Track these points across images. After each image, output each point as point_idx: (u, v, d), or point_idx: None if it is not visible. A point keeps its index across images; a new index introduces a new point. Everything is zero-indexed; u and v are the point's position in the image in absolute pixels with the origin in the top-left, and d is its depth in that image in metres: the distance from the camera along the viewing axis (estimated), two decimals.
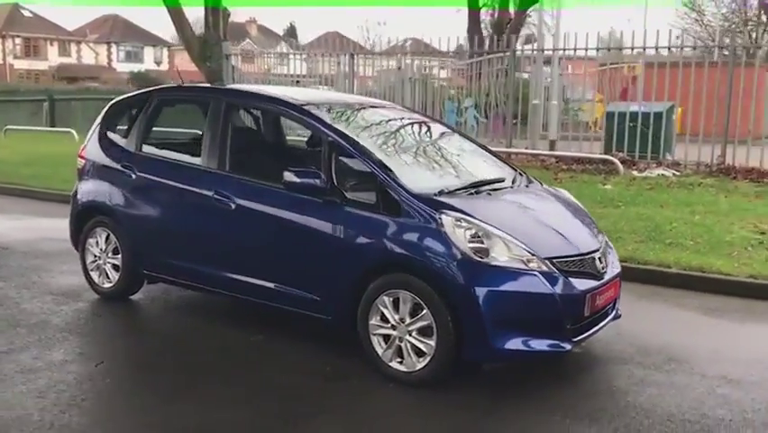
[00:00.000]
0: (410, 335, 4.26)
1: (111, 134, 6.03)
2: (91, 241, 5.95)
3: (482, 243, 4.16)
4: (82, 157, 6.14)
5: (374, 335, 4.40)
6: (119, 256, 5.75)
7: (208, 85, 7.12)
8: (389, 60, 17.48)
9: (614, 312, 4.81)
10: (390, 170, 4.47)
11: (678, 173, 10.74)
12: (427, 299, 4.16)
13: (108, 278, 5.87)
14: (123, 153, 5.77)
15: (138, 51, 63.77)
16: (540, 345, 4.17)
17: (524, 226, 4.44)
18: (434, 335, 4.15)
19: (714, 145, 11.45)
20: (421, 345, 4.22)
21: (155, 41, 65.43)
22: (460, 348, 4.13)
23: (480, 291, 4.05)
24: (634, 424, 3.87)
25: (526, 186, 5.24)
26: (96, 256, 5.92)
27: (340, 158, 4.68)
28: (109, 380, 4.39)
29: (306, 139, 6.14)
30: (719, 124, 11.48)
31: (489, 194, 4.76)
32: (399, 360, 4.33)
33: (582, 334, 4.38)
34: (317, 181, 4.50)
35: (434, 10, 48.91)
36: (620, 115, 12.65)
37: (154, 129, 5.92)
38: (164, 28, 65.68)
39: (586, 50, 13.47)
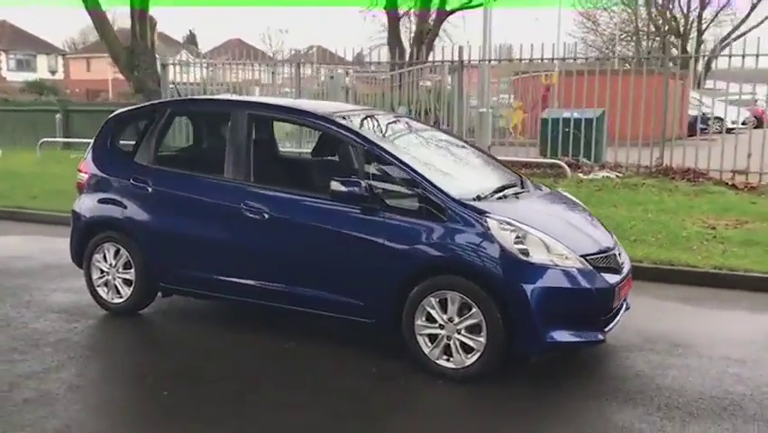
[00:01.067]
0: (459, 333, 4.52)
1: (117, 148, 5.98)
2: (98, 256, 5.87)
3: (524, 243, 4.48)
4: (83, 171, 6.05)
5: (420, 335, 4.63)
6: (131, 271, 5.72)
7: (225, 97, 7.10)
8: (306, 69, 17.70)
9: (626, 304, 5.23)
10: (430, 178, 4.72)
11: (621, 175, 11.49)
12: (477, 298, 4.43)
13: (119, 293, 5.82)
14: (134, 167, 5.73)
15: (30, 60, 60.90)
16: (581, 336, 4.53)
17: (554, 227, 4.79)
18: (484, 332, 4.43)
19: (644, 148, 12.29)
20: (470, 342, 4.49)
21: (48, 49, 62.70)
22: (510, 343, 4.43)
23: (529, 289, 4.36)
24: (672, 403, 4.27)
25: (538, 189, 5.60)
26: (103, 272, 5.85)
27: (376, 166, 4.89)
28: (166, 393, 4.42)
29: (311, 149, 6.30)
30: (646, 128, 12.35)
31: (516, 197, 5.09)
32: (446, 357, 4.58)
33: (610, 324, 4.77)
34: (362, 190, 4.69)
35: (335, 17, 49.36)
36: (554, 122, 13.35)
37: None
38: (57, 35, 63.05)
39: (540, 58, 14.09)
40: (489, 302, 4.40)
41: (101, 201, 5.87)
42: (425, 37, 23.47)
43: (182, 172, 5.59)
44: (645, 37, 44.69)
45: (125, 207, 5.69)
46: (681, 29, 43.07)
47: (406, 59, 19.41)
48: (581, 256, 4.59)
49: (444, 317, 4.55)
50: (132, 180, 5.68)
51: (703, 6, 42.90)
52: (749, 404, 4.27)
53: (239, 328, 5.63)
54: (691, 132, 19.47)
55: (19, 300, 6.27)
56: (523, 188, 5.50)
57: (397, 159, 4.83)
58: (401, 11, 25.72)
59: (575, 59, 13.55)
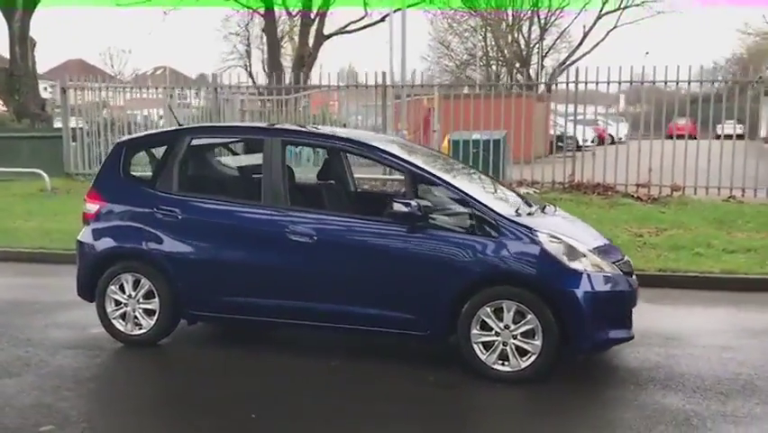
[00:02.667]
0: (514, 338, 4.95)
1: (131, 176, 5.89)
2: (113, 288, 5.75)
3: (569, 254, 5.00)
4: (92, 201, 5.90)
5: (476, 343, 5.02)
6: (155, 300, 5.66)
7: (254, 125, 7.10)
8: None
9: None
10: (479, 198, 5.15)
11: (538, 191, 12.44)
12: (532, 305, 4.89)
13: (139, 324, 5.72)
14: (157, 195, 5.69)
15: None
16: (619, 334, 5.11)
17: (584, 239, 5.36)
18: (539, 336, 4.89)
19: (548, 164, 13.48)
20: (526, 346, 4.93)
21: None
22: (563, 345, 4.92)
23: (580, 294, 4.88)
24: (702, 386, 4.91)
25: (542, 207, 6.17)
26: (120, 303, 5.73)
27: (425, 189, 5.25)
28: (254, 415, 4.50)
29: (317, 173, 6.51)
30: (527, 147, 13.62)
31: (542, 213, 5.61)
32: (502, 362, 4.99)
33: (632, 323, 5.39)
34: (421, 210, 5.03)
35: (179, 39, 48.47)
36: (464, 143, 14.22)
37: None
38: None
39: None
40: (545, 308, 4.88)
41: (118, 231, 5.77)
42: (306, 61, 23.84)
43: (215, 199, 5.64)
44: (495, 63, 47.57)
45: (149, 237, 5.64)
46: (524, 56, 46.30)
47: (285, 82, 19.61)
48: (613, 263, 5.18)
49: (501, 324, 4.97)
50: (157, 209, 5.64)
51: (543, 35, 46.47)
52: (758, 382, 5.03)
53: (272, 351, 5.74)
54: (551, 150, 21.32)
55: (16, 339, 5.97)
56: (530, 206, 6.04)
57: (445, 181, 5.23)
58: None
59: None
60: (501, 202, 5.50)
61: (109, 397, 4.91)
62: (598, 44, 45.90)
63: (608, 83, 13.35)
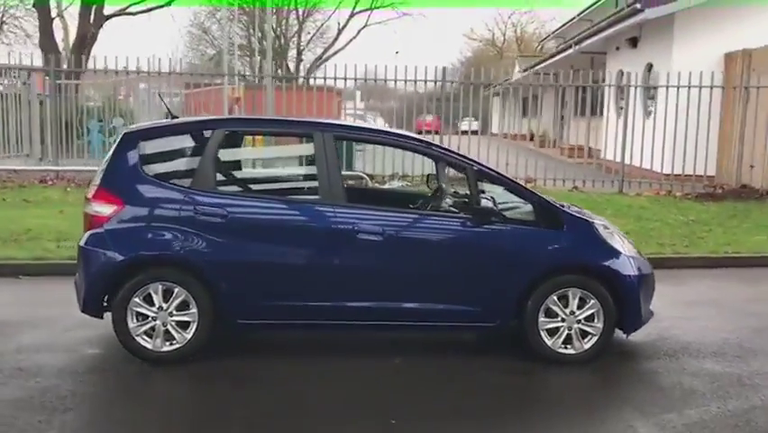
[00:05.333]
0: (578, 323, 5.32)
1: (153, 172, 5.19)
2: (136, 300, 5.06)
3: (618, 241, 5.51)
4: (105, 201, 5.09)
5: (543, 330, 5.31)
6: (192, 311, 5.09)
7: (295, 118, 6.43)
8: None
9: None
10: (539, 193, 5.43)
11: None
12: (595, 291, 5.30)
13: (170, 339, 5.11)
14: (196, 194, 5.10)
15: None
16: (651, 311, 5.71)
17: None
18: (600, 318, 5.31)
19: None
20: (589, 329, 5.33)
21: None
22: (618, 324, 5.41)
23: (635, 278, 5.40)
24: (718, 351, 5.67)
25: None
26: (147, 317, 5.07)
27: (488, 184, 5.40)
28: (394, 421, 4.34)
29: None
30: None
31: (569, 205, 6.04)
32: (565, 345, 5.34)
33: None
34: (494, 205, 5.18)
35: None
36: None
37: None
38: None
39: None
40: (606, 293, 5.32)
41: (143, 235, 5.08)
42: (88, 42, 21.70)
43: (266, 197, 5.22)
44: (252, 54, 47.13)
45: (187, 241, 5.05)
46: (282, 49, 46.63)
47: (65, 66, 17.69)
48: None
49: (567, 310, 5.31)
50: (196, 210, 5.06)
51: (300, 30, 47.26)
52: (756, 340, 5.98)
53: (326, 354, 5.50)
54: None
55: (3, 367, 4.99)
56: None
57: (505, 177, 5.43)
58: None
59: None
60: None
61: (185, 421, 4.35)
62: (351, 41, 47.99)
63: (345, 79, 14.65)
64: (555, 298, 5.29)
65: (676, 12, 15.47)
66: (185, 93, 19.53)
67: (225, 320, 5.18)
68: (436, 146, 5.59)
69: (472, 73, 15.67)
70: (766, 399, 4.77)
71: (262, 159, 6.05)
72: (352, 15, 45.96)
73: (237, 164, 5.70)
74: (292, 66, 45.20)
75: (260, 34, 45.08)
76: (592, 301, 5.31)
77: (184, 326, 5.12)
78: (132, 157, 5.20)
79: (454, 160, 5.55)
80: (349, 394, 4.78)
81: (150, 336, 5.10)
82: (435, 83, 15.12)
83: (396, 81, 14.72)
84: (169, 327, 5.10)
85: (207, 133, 5.29)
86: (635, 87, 15.29)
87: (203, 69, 32.68)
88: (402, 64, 14.40)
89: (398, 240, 5.22)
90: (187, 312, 5.10)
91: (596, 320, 5.33)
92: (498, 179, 5.48)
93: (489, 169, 5.51)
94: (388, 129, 6.09)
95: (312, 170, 5.34)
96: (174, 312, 5.09)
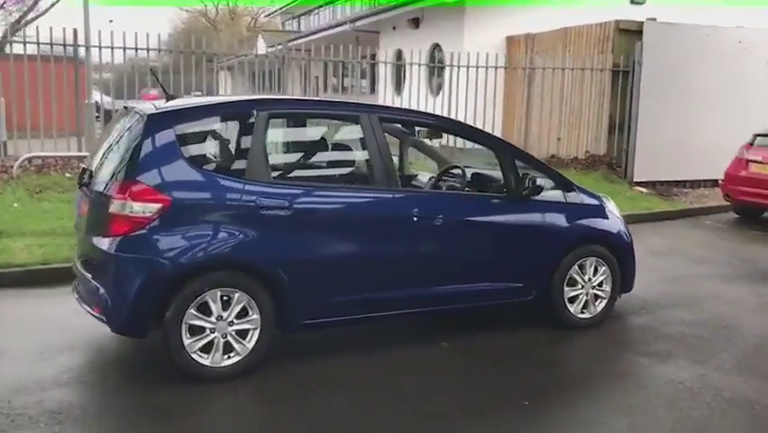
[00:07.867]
0: (593, 288, 5.76)
1: (203, 162, 4.45)
2: (192, 312, 4.35)
3: (617, 213, 6.07)
4: (146, 198, 4.24)
5: (566, 298, 5.66)
6: (253, 317, 4.52)
7: (339, 100, 5.52)
8: None
9: None
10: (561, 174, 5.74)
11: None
12: (607, 259, 5.78)
13: (229, 352, 4.49)
14: (253, 186, 4.48)
15: None
16: None
17: None
18: (609, 284, 5.81)
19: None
20: (600, 294, 5.80)
21: None
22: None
23: (632, 245, 6.00)
24: (688, 317, 6.54)
25: None
26: (204, 330, 4.40)
27: (523, 166, 5.54)
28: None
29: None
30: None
31: None
32: (582, 311, 5.75)
33: None
34: (541, 184, 5.36)
35: None
36: None
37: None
38: None
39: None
40: (614, 260, 5.83)
41: (198, 237, 4.36)
42: None
43: (325, 186, 4.77)
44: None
45: (247, 239, 4.45)
46: None
47: None
48: None
49: (585, 278, 5.71)
50: (256, 203, 4.46)
51: None
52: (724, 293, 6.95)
53: (367, 346, 5.23)
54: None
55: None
56: None
57: (535, 160, 5.67)
58: None
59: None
60: None
61: None
62: (53, 5, 42.86)
63: (51, 45, 12.32)
64: (577, 267, 5.67)
65: None
66: None
67: (288, 323, 4.68)
68: (480, 131, 5.68)
69: (193, 42, 13.89)
70: None
71: (311, 142, 5.43)
72: None
73: (288, 149, 5.09)
74: None
75: None
76: (603, 268, 5.79)
77: (243, 335, 4.53)
78: (170, 145, 4.39)
79: (492, 143, 5.64)
80: (414, 382, 4.62)
81: (207, 352, 4.43)
82: (159, 52, 14.03)
83: (113, 49, 12.46)
84: (229, 337, 4.47)
85: (253, 116, 4.67)
86: (419, 66, 15.88)
87: None
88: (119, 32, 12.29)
89: (460, 223, 5.21)
90: (247, 319, 4.52)
91: (605, 285, 5.82)
92: (529, 160, 5.73)
93: (521, 151, 5.75)
94: (435, 113, 5.92)
95: (364, 154, 5.02)
96: (234, 321, 4.48)
